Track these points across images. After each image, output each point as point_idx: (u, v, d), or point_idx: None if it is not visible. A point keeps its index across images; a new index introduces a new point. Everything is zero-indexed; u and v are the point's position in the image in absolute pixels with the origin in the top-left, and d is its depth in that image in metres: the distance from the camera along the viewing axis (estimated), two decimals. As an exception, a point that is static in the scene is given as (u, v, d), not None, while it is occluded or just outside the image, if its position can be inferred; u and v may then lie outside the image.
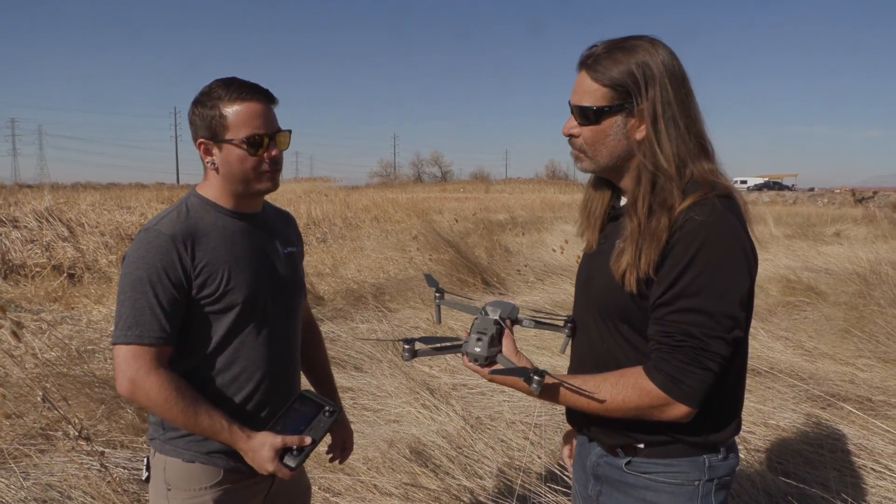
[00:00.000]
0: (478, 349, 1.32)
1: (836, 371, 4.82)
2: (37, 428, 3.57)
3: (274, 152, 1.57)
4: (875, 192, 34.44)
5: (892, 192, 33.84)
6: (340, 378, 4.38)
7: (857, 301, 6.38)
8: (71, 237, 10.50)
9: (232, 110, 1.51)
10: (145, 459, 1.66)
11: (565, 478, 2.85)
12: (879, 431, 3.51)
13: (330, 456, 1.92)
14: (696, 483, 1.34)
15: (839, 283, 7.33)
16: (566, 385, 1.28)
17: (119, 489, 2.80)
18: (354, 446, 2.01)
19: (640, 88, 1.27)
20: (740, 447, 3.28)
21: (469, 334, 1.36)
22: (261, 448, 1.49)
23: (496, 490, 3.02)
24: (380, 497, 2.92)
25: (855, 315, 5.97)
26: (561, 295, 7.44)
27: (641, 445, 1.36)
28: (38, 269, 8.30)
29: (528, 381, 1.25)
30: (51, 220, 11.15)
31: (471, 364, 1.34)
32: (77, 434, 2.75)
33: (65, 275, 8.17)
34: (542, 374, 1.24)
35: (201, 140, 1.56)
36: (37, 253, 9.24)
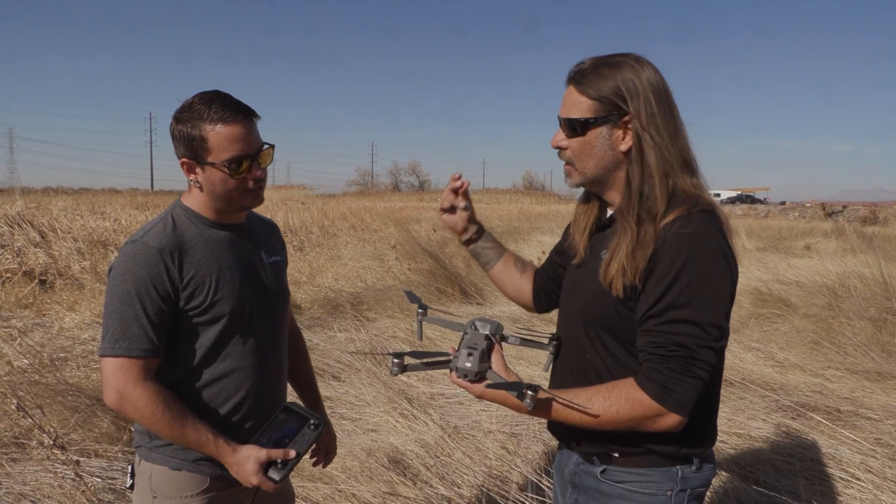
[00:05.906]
0: (468, 364, 1.28)
1: (805, 382, 4.93)
2: (9, 436, 3.51)
3: (258, 173, 1.56)
4: (844, 207, 35.36)
5: (860, 207, 34.75)
6: (318, 387, 4.36)
7: (827, 313, 6.52)
8: (43, 243, 10.28)
9: (213, 133, 1.49)
10: (130, 467, 1.66)
11: (542, 487, 2.87)
12: (847, 441, 3.61)
13: (314, 461, 1.92)
14: (669, 493, 1.37)
15: (809, 296, 7.47)
16: (559, 400, 1.29)
17: (94, 498, 2.77)
18: (333, 456, 2.02)
19: (624, 101, 1.32)
20: (713, 456, 3.34)
21: (458, 349, 1.33)
22: (245, 461, 1.50)
23: (474, 499, 3.03)
24: (358, 506, 2.92)
25: (824, 327, 6.11)
26: (538, 305, 7.46)
27: (616, 454, 1.39)
28: (8, 276, 8.14)
29: (521, 396, 1.23)
30: (22, 225, 10.91)
31: (459, 380, 1.31)
32: (51, 443, 2.71)
33: (36, 281, 8.02)
34: (535, 389, 1.23)
35: (183, 160, 1.55)
36: (7, 259, 9.04)
